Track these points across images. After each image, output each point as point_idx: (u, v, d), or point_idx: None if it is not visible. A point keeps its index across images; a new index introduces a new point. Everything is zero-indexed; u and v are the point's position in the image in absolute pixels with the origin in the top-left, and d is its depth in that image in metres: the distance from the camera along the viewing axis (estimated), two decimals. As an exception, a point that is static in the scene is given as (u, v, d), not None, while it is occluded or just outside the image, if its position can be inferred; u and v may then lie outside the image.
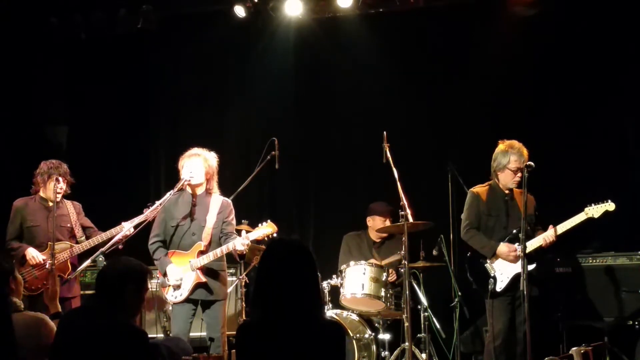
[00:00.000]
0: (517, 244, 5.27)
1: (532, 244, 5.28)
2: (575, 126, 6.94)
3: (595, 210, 5.23)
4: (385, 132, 5.94)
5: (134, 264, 3.62)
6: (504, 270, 5.40)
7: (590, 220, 5.28)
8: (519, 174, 5.36)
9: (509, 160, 5.41)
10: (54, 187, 5.84)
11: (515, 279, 5.26)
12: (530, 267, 5.22)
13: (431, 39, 7.46)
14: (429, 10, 7.35)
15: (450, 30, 7.36)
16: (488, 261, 5.47)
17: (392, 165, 5.79)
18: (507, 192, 5.51)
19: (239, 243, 5.26)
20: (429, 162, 7.11)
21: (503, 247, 5.37)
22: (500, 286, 5.37)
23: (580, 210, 5.34)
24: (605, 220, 5.30)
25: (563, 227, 5.30)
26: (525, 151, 5.42)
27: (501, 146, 5.52)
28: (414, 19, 7.43)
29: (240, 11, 7.42)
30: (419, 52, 7.50)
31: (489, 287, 5.35)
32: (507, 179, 5.47)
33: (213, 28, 7.69)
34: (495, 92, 7.13)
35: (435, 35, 7.43)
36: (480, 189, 5.60)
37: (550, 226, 5.33)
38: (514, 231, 5.32)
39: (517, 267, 5.23)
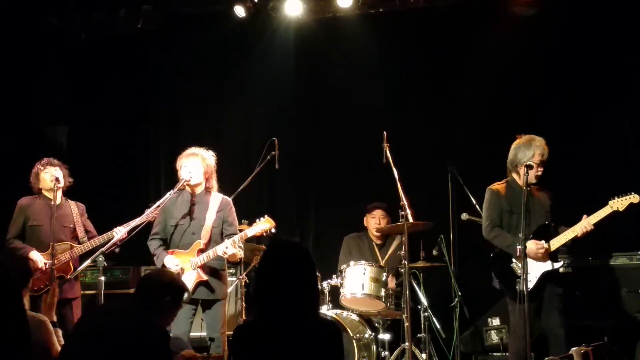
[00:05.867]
0: (542, 241, 5.20)
1: (559, 240, 5.19)
2: (576, 126, 6.94)
3: (619, 203, 5.08)
4: (385, 132, 5.95)
5: (178, 280, 3.79)
6: (531, 269, 5.18)
7: (615, 214, 5.13)
8: (541, 169, 5.27)
9: (534, 153, 5.26)
10: (57, 174, 5.87)
11: (544, 277, 5.18)
12: (557, 265, 5.18)
13: (431, 39, 7.46)
14: (429, 10, 7.35)
15: (450, 30, 7.35)
16: (514, 261, 5.28)
17: (392, 165, 5.79)
18: (524, 188, 5.32)
19: (222, 250, 5.26)
20: (429, 162, 7.10)
21: (530, 245, 5.16)
22: (528, 286, 5.12)
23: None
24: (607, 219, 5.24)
25: (591, 220, 5.15)
26: (546, 145, 5.31)
27: (520, 140, 5.37)
28: (414, 19, 7.43)
29: (240, 11, 7.43)
30: (419, 52, 7.50)
31: (516, 287, 5.10)
32: (530, 174, 5.25)
33: (213, 28, 7.70)
34: (495, 92, 7.14)
35: (435, 35, 7.43)
36: (499, 186, 5.45)
37: (584, 216, 5.18)
38: (539, 225, 5.23)
39: (544, 266, 5.17)
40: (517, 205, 5.28)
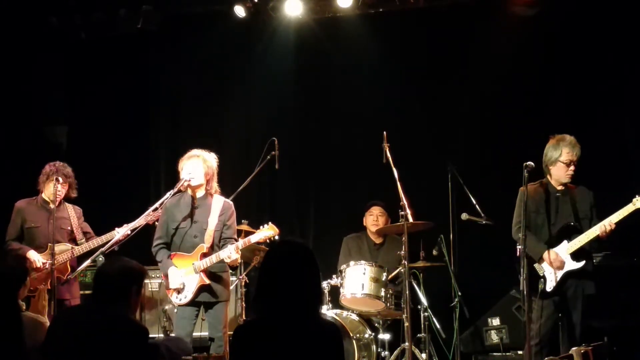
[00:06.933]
0: (565, 240, 5.19)
1: (580, 240, 5.14)
2: (576, 126, 6.91)
3: None
4: (385, 132, 5.95)
5: (136, 265, 3.66)
6: (552, 270, 5.23)
7: (638, 212, 5.02)
8: (572, 167, 5.25)
9: (561, 152, 5.24)
10: (53, 188, 5.85)
11: (565, 277, 5.17)
12: (579, 264, 5.14)
13: (431, 39, 7.46)
14: (429, 10, 7.36)
15: (450, 30, 7.36)
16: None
17: (392, 165, 5.79)
18: (560, 188, 5.34)
19: (226, 255, 5.26)
20: (429, 162, 7.10)
21: (546, 256, 5.19)
22: (550, 286, 5.19)
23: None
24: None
25: (612, 219, 5.06)
26: (576, 144, 5.25)
27: (551, 141, 5.35)
28: (414, 19, 7.43)
29: (240, 11, 7.43)
30: (419, 52, 7.50)
31: (539, 286, 5.16)
32: (560, 173, 5.29)
33: (213, 28, 7.70)
34: (495, 92, 7.14)
35: (435, 35, 7.44)
36: (530, 186, 5.32)
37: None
38: (565, 225, 5.20)
39: (566, 265, 5.16)
40: (543, 205, 5.30)
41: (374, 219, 6.70)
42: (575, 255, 5.17)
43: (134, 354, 3.36)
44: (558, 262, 5.18)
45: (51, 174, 5.96)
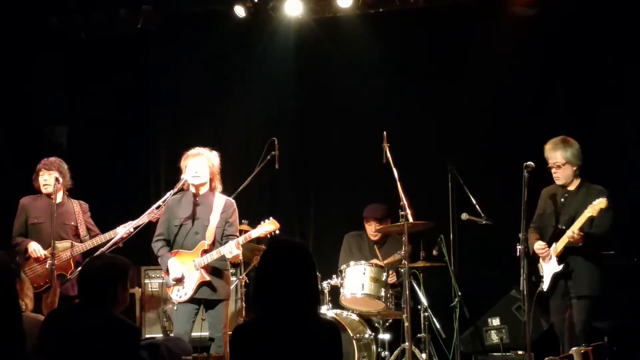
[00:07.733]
0: (554, 243, 5.22)
1: (559, 244, 5.18)
2: (576, 126, 6.93)
3: (592, 209, 5.03)
4: (385, 132, 5.95)
5: (120, 261, 3.62)
6: (546, 270, 5.31)
7: (593, 218, 5.09)
8: (554, 170, 5.29)
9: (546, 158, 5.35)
10: (49, 182, 5.89)
11: (556, 279, 5.22)
12: (559, 267, 5.17)
13: (431, 39, 7.46)
14: (429, 10, 7.36)
15: (450, 30, 7.36)
16: (540, 261, 5.37)
17: (392, 165, 5.79)
18: (570, 188, 5.36)
19: (227, 250, 5.28)
20: (429, 162, 7.10)
21: (536, 246, 5.28)
22: (544, 287, 5.29)
23: None
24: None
25: (574, 226, 5.11)
26: (557, 146, 5.28)
27: None
28: (414, 19, 7.44)
29: (240, 11, 7.43)
30: (419, 52, 7.50)
31: (538, 288, 5.28)
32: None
33: (213, 28, 7.70)
34: (495, 91, 7.14)
35: (435, 35, 7.44)
36: (549, 187, 5.46)
37: None
38: (562, 227, 5.22)
39: (553, 268, 5.21)
40: (549, 206, 5.37)
41: (372, 229, 6.66)
42: (560, 258, 5.19)
43: (125, 354, 3.35)
44: (541, 250, 5.23)
45: (39, 170, 6.01)
